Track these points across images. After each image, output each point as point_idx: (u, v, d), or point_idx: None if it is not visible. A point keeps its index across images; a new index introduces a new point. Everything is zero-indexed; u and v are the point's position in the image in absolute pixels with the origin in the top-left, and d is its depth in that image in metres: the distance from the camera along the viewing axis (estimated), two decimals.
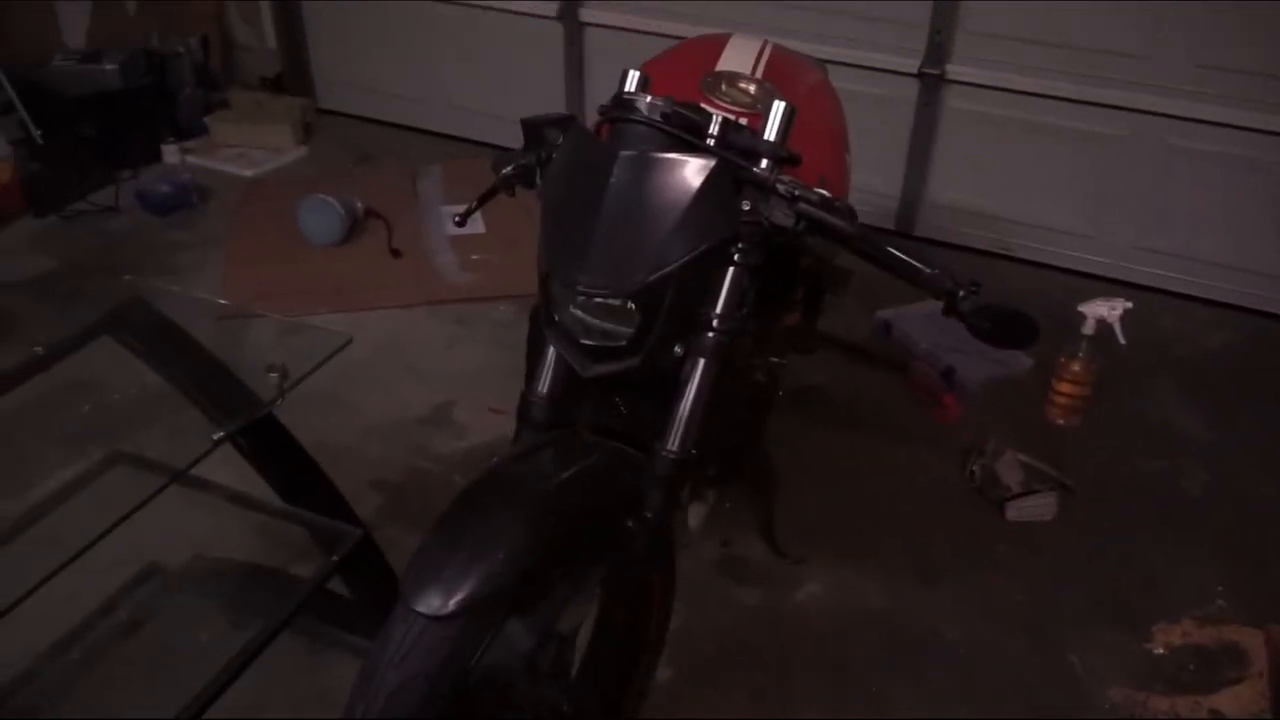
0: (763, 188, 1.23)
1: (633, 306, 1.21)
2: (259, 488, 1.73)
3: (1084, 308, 2.43)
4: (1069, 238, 3.19)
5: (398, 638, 1.04)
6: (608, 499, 1.26)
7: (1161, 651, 1.91)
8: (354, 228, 3.24)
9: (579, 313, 1.25)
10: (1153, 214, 3.05)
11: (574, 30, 3.61)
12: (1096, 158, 3.06)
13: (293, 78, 4.25)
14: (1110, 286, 3.01)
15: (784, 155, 1.25)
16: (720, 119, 1.27)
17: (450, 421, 2.48)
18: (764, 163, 1.24)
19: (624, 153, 1.21)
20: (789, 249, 1.46)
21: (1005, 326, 1.23)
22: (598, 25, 3.58)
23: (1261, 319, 3.01)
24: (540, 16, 3.61)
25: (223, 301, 2.73)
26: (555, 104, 3.76)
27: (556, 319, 1.29)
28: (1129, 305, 2.42)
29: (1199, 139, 2.91)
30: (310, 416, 1.80)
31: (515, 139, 1.47)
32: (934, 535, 2.18)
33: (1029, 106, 3.06)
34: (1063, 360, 2.46)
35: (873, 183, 3.27)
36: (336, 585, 1.67)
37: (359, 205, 3.28)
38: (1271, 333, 2.96)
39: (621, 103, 1.25)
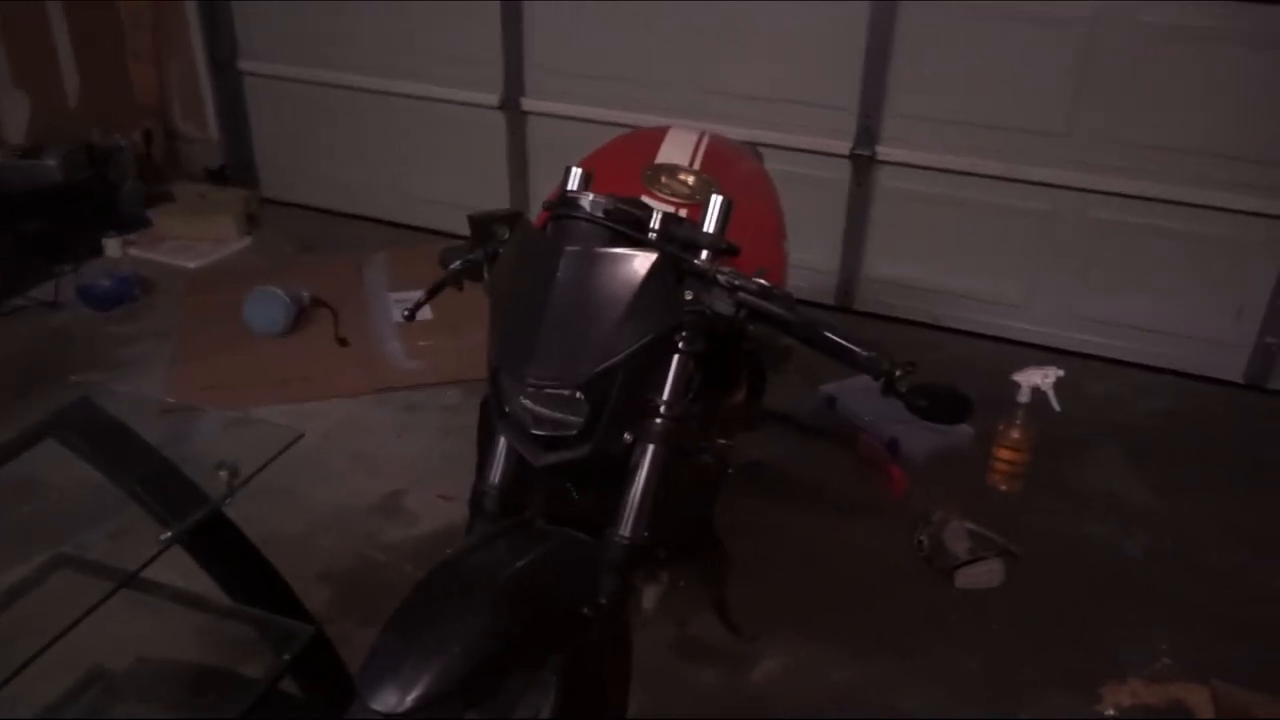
0: (704, 279, 1.28)
1: (581, 397, 1.24)
2: (203, 585, 1.71)
3: (1018, 376, 2.50)
4: (1002, 308, 3.30)
5: None
6: (562, 586, 1.27)
7: (1111, 713, 1.94)
8: (300, 318, 3.24)
9: (529, 404, 1.28)
10: (1080, 283, 3.17)
11: (516, 119, 3.69)
12: (1024, 231, 3.18)
13: (236, 169, 4.27)
14: (1044, 354, 3.11)
15: (723, 247, 1.30)
16: (661, 214, 1.31)
17: (400, 510, 2.46)
18: (704, 254, 1.29)
19: (569, 248, 1.25)
20: (731, 334, 1.50)
21: (941, 403, 1.28)
22: (539, 114, 3.67)
23: (1189, 381, 3.12)
24: (483, 106, 3.69)
25: (169, 399, 2.70)
26: (499, 190, 3.82)
27: (507, 410, 1.31)
28: (1060, 373, 2.50)
29: (1118, 211, 3.04)
30: (256, 508, 1.79)
31: (460, 225, 1.51)
32: (886, 606, 2.20)
33: (957, 184, 3.19)
34: (1001, 428, 2.53)
35: (812, 260, 3.36)
36: (287, 684, 1.64)
37: (305, 295, 3.28)
38: (1199, 395, 3.07)
39: (566, 200, 1.30)
